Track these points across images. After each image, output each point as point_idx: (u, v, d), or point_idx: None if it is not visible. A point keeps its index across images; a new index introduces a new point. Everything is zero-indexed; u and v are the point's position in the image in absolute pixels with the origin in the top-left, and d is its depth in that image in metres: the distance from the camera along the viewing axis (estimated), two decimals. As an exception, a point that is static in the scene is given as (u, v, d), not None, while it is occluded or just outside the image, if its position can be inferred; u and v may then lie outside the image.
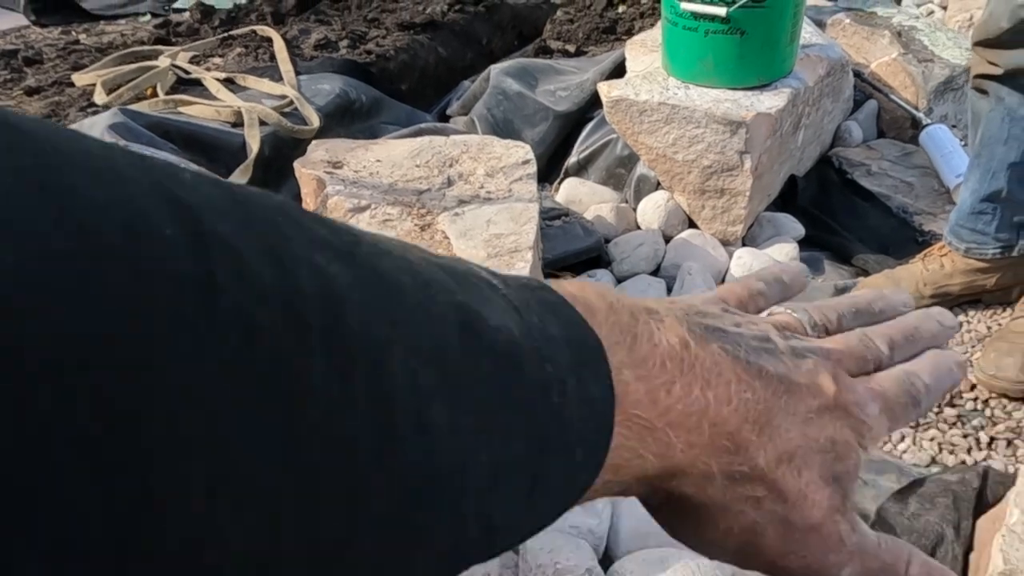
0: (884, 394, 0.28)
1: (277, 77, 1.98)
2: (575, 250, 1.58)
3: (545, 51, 2.36)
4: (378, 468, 0.16)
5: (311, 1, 2.87)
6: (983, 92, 1.26)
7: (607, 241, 1.66)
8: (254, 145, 1.60)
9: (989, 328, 1.44)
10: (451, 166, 1.41)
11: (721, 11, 1.44)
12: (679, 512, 0.26)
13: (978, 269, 1.41)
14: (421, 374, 0.17)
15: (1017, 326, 1.32)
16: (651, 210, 1.68)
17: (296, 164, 1.38)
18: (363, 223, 1.24)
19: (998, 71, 1.21)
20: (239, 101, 1.76)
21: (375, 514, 0.16)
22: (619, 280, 1.58)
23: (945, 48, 2.07)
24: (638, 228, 1.71)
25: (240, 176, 1.52)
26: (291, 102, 1.84)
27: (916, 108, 1.97)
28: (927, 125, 1.89)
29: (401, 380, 0.17)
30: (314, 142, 1.47)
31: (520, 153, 1.45)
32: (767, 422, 0.25)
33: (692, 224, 1.69)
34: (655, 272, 1.61)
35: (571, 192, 1.81)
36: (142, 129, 1.47)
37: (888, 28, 2.15)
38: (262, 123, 1.70)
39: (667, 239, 1.66)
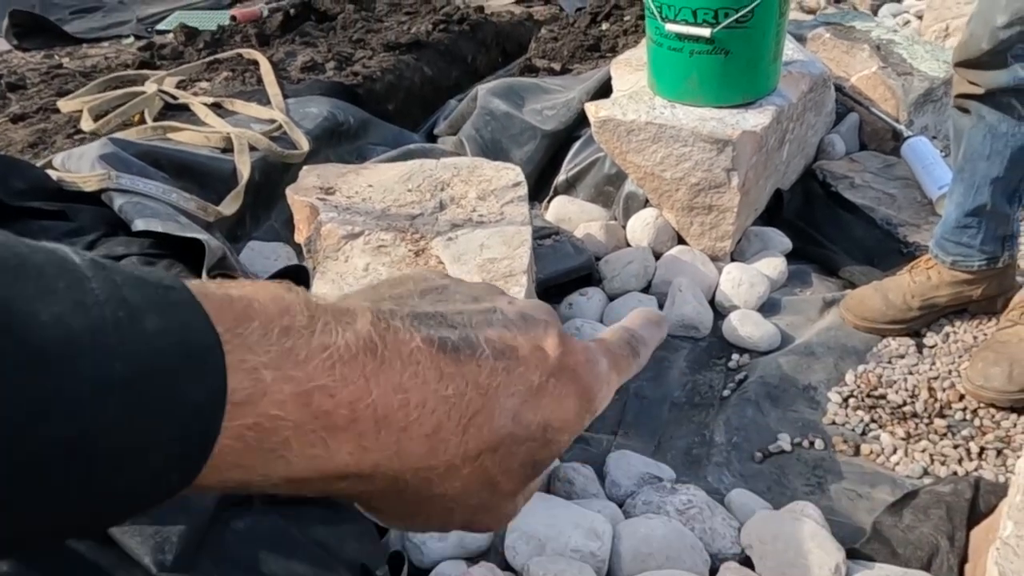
0: (608, 347, 0.30)
1: (265, 101, 1.99)
2: (566, 269, 1.60)
3: (531, 69, 2.38)
4: None
5: (296, 22, 2.88)
6: (965, 111, 1.29)
7: (598, 259, 1.67)
8: (244, 171, 1.60)
9: (975, 338, 1.46)
10: (443, 190, 1.42)
11: (705, 32, 1.47)
12: (375, 502, 0.27)
13: (964, 281, 1.44)
14: None
15: (1003, 336, 1.34)
16: (640, 227, 1.70)
17: (288, 191, 1.38)
18: (357, 250, 1.25)
19: (979, 91, 1.23)
20: (228, 127, 1.77)
21: None
22: (611, 298, 1.60)
23: (923, 61, 2.11)
24: (628, 245, 1.73)
25: (231, 202, 1.52)
26: (280, 126, 1.84)
27: (897, 120, 2.01)
28: (908, 137, 1.93)
29: None
30: (305, 168, 1.47)
31: (511, 175, 1.46)
32: (474, 415, 0.25)
33: (681, 240, 1.71)
34: (646, 289, 1.62)
35: (561, 210, 1.82)
36: (133, 159, 1.47)
37: (867, 42, 2.19)
38: (252, 148, 1.70)
39: (657, 256, 1.68)
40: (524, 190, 1.43)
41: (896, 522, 1.09)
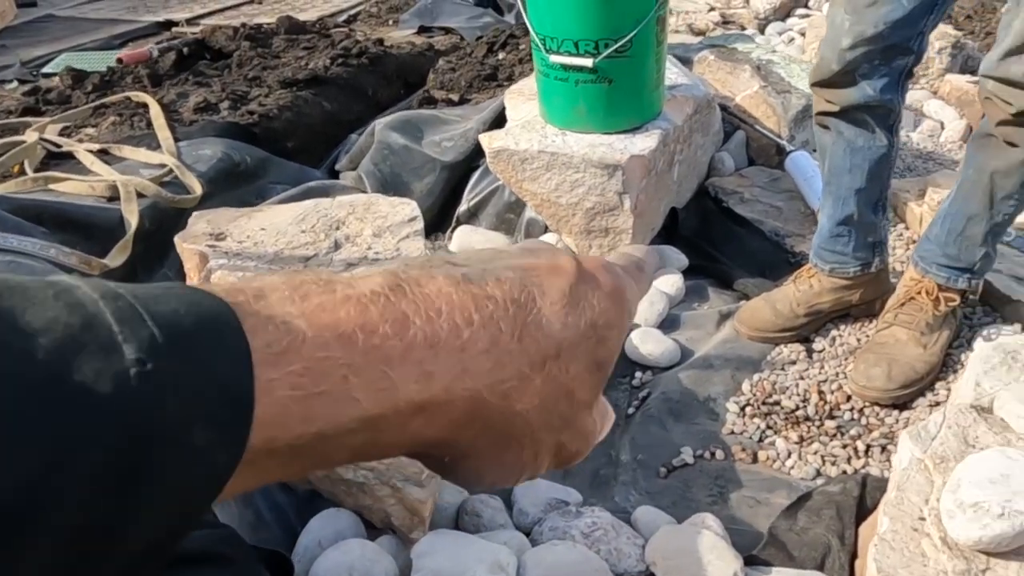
0: (612, 264, 0.32)
1: (155, 145, 1.94)
2: (471, 299, 1.61)
3: (430, 101, 2.40)
4: None
5: (190, 62, 2.82)
6: (825, 127, 1.38)
7: (502, 286, 1.69)
8: (132, 220, 1.56)
9: (859, 340, 1.54)
10: (337, 228, 1.41)
11: (588, 62, 1.51)
12: (464, 445, 0.27)
13: (843, 286, 1.52)
14: None
15: (880, 337, 1.42)
16: (542, 253, 1.73)
17: (177, 239, 1.35)
18: (249, 296, 1.23)
19: (835, 108, 1.32)
20: (115, 174, 1.71)
21: None
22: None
23: (800, 79, 2.23)
24: (531, 271, 1.75)
25: (119, 254, 1.47)
26: (171, 171, 1.80)
27: (779, 136, 2.11)
28: (790, 152, 2.03)
29: None
30: (195, 214, 1.44)
31: (406, 210, 1.47)
32: (523, 325, 0.26)
33: (582, 263, 1.75)
34: (550, 313, 1.65)
35: (464, 240, 1.84)
36: (7, 215, 1.40)
37: (748, 63, 2.30)
38: (140, 195, 1.66)
39: (560, 280, 1.71)
40: (420, 224, 1.43)
41: (791, 525, 1.14)
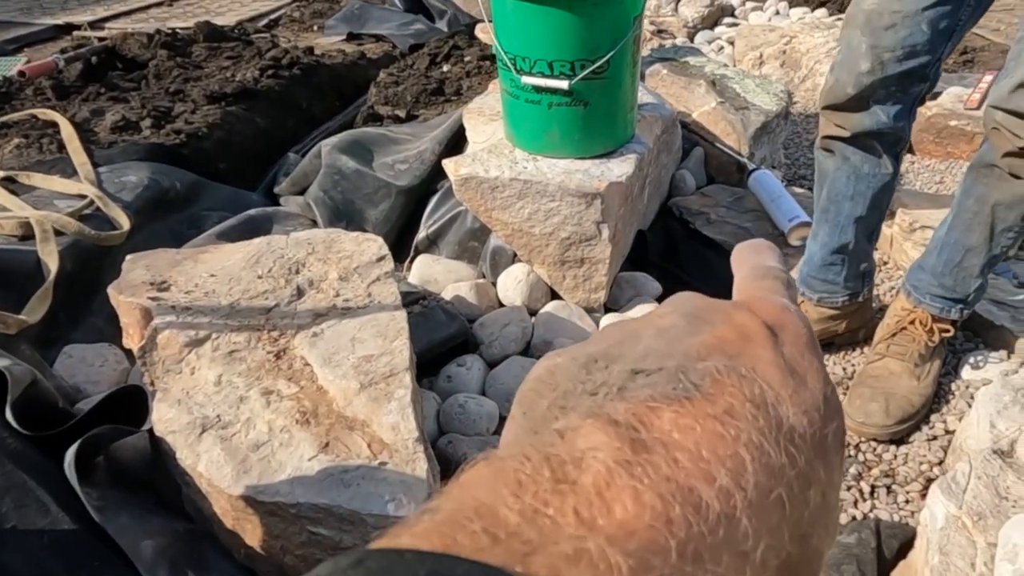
0: (781, 299, 0.26)
1: (70, 172, 1.72)
2: (440, 339, 1.48)
3: (374, 117, 2.25)
4: None
5: (99, 72, 2.57)
6: (830, 152, 1.32)
7: (471, 322, 1.58)
8: (51, 263, 1.36)
9: (845, 370, 1.50)
10: (298, 272, 1.26)
11: (563, 84, 1.42)
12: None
13: (830, 316, 1.47)
14: None
15: (873, 370, 1.38)
16: (512, 285, 1.62)
17: (111, 290, 1.17)
18: (205, 359, 1.07)
19: (845, 133, 1.26)
20: (27, 208, 1.50)
21: None
22: (491, 364, 1.50)
23: (756, 95, 2.20)
24: (500, 305, 1.64)
25: (38, 305, 1.27)
26: (92, 202, 1.60)
27: (740, 154, 2.08)
28: (754, 170, 1.99)
29: None
30: (129, 258, 1.26)
31: (373, 248, 1.33)
32: (778, 431, 0.20)
33: (555, 295, 1.65)
34: (525, 351, 1.54)
35: (425, 271, 1.71)
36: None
37: (703, 77, 2.26)
38: (59, 233, 1.45)
39: (532, 312, 1.61)
40: (390, 264, 1.30)
41: (813, 585, 1.07)
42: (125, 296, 1.15)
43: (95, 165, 1.75)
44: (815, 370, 0.22)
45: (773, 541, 0.18)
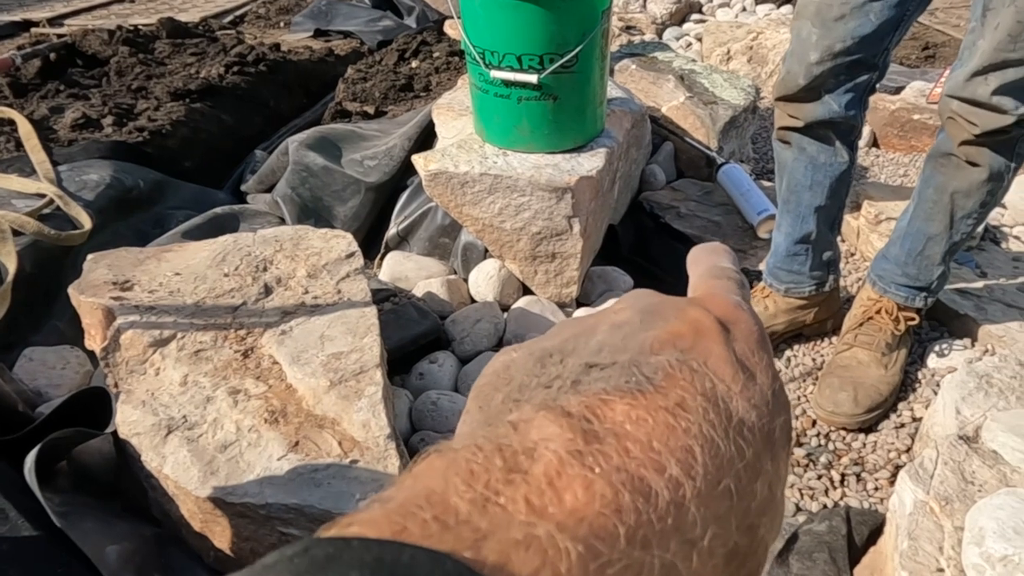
0: (735, 297, 0.27)
1: (29, 170, 1.68)
2: (412, 336, 1.47)
3: (343, 114, 2.22)
4: None
5: (58, 69, 2.51)
6: (786, 143, 1.33)
7: (443, 318, 1.57)
8: (9, 264, 1.32)
9: (814, 360, 1.52)
10: (265, 269, 1.24)
11: (532, 78, 1.41)
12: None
13: (798, 307, 1.49)
14: None
15: (842, 360, 1.40)
16: (484, 281, 1.61)
17: (72, 291, 1.14)
18: (170, 359, 1.04)
19: (799, 123, 1.28)
20: (-18, 208, 1.46)
21: None
22: (463, 360, 1.49)
23: (724, 90, 2.22)
24: (472, 301, 1.64)
25: (-4, 308, 1.24)
26: (51, 201, 1.56)
27: (709, 148, 2.09)
28: (723, 164, 2.01)
29: None
30: (91, 257, 1.23)
31: (342, 245, 1.32)
32: (729, 423, 0.21)
33: (527, 290, 1.65)
34: (497, 347, 1.54)
35: (395, 268, 1.70)
36: None
37: (671, 73, 2.27)
38: (17, 233, 1.42)
39: (504, 307, 1.61)
40: (359, 261, 1.29)
41: (785, 573, 1.08)
42: (86, 296, 1.12)
43: (54, 164, 1.71)
44: (765, 366, 0.23)
45: (721, 530, 0.19)
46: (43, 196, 1.56)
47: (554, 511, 0.17)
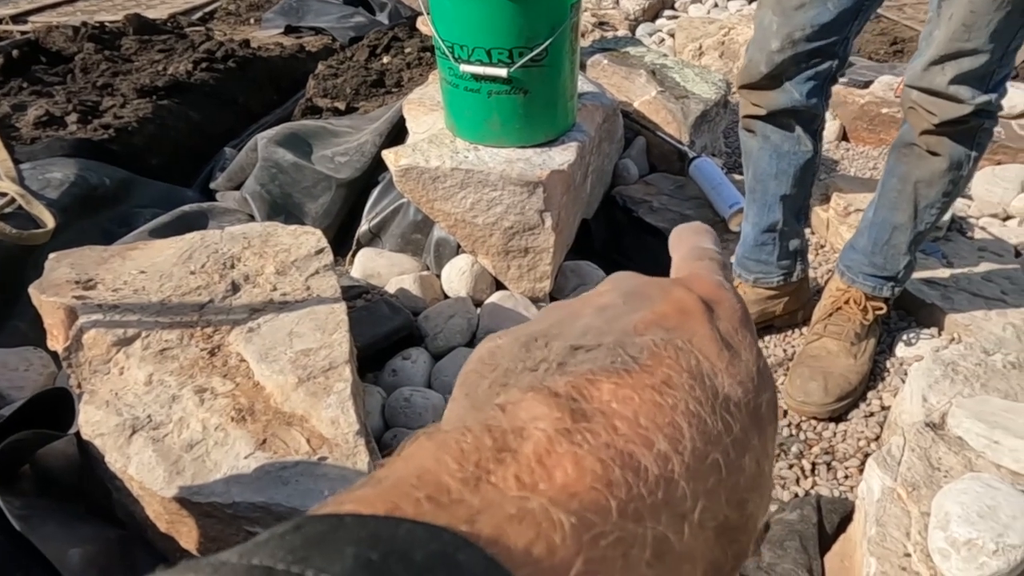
0: (710, 278, 0.27)
1: (-11, 169, 1.64)
2: (384, 332, 1.46)
3: (313, 110, 2.20)
4: None
5: (21, 66, 2.46)
6: (751, 132, 1.34)
7: (416, 315, 1.56)
8: (-31, 264, 1.29)
9: (785, 351, 1.53)
10: (233, 267, 1.22)
11: (502, 72, 1.40)
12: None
13: (767, 297, 1.50)
14: None
15: (812, 350, 1.41)
16: (456, 277, 1.60)
17: (32, 290, 1.12)
18: (134, 358, 1.03)
19: (762, 111, 1.28)
20: (-60, 208, 1.43)
21: None
22: (436, 356, 1.49)
23: (696, 84, 2.23)
24: (445, 297, 1.63)
25: (-45, 309, 1.21)
26: (13, 200, 1.53)
27: (680, 142, 2.10)
28: (694, 158, 2.02)
29: None
30: (52, 256, 1.21)
31: (311, 241, 1.30)
32: (715, 400, 0.21)
33: (500, 285, 1.64)
34: (471, 342, 1.53)
35: (368, 265, 1.68)
36: None
37: (643, 67, 2.27)
38: (-23, 233, 1.38)
39: (477, 303, 1.60)
40: (329, 257, 1.28)
41: (758, 563, 1.09)
42: (48, 296, 1.10)
43: (16, 162, 1.68)
44: (748, 343, 0.23)
45: (710, 503, 0.19)
46: (4, 195, 1.52)
47: (545, 487, 0.17)
